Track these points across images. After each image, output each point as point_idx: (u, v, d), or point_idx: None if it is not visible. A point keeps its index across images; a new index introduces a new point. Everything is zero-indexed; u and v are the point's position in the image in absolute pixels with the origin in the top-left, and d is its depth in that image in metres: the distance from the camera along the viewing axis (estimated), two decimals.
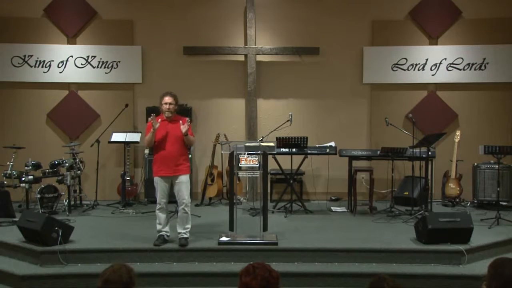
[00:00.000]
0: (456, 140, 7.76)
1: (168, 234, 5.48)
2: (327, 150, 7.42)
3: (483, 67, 8.18)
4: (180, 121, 5.43)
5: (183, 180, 5.42)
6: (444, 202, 7.83)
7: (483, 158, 7.45)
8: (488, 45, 8.15)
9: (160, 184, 5.40)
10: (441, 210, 7.35)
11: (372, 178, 7.22)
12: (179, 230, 5.45)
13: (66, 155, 7.49)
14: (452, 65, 8.22)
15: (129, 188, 7.72)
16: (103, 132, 7.74)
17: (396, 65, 8.27)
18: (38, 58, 8.17)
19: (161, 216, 5.44)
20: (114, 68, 8.27)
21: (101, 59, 8.25)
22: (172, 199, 5.57)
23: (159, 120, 5.39)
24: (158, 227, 5.45)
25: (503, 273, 2.81)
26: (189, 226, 5.49)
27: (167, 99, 5.43)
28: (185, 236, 5.42)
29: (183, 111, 7.01)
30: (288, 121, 7.22)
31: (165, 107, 5.43)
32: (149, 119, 5.48)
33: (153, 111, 7.81)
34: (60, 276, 5.01)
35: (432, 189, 7.36)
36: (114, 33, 8.28)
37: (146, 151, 8.03)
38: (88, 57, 8.24)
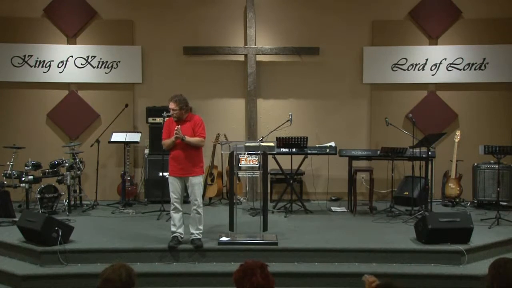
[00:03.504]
0: (456, 140, 7.76)
1: (182, 236, 5.46)
2: (327, 150, 7.42)
3: (483, 67, 8.18)
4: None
5: (195, 181, 5.42)
6: (444, 202, 7.82)
7: (483, 158, 7.44)
8: (488, 45, 8.15)
9: (173, 184, 5.42)
10: (441, 210, 7.36)
11: (372, 178, 7.22)
12: (191, 231, 5.44)
13: (66, 155, 7.49)
14: (452, 65, 8.22)
15: (129, 188, 7.72)
16: (103, 132, 7.74)
17: (396, 65, 8.27)
18: (38, 58, 8.17)
19: (175, 216, 5.43)
20: (114, 68, 8.26)
21: (101, 59, 8.25)
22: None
23: (177, 127, 5.37)
24: (173, 228, 5.44)
25: (505, 274, 2.81)
26: (202, 227, 5.49)
27: (170, 105, 5.45)
28: (198, 237, 5.42)
29: None
30: (288, 121, 7.22)
31: (171, 112, 5.48)
32: (164, 114, 5.76)
33: (153, 111, 7.92)
34: (60, 276, 5.02)
35: (432, 189, 7.37)
36: (114, 33, 8.28)
37: (146, 151, 8.04)
38: (88, 57, 8.23)
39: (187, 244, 5.40)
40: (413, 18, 8.28)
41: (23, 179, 6.88)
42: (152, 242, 5.51)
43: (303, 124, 8.15)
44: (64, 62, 8.21)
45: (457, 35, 8.26)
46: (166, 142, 5.48)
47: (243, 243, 5.43)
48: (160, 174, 7.21)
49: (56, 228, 5.31)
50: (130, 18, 8.31)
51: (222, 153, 7.63)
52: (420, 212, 6.61)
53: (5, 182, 7.09)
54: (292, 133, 7.28)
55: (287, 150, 7.21)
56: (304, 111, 8.38)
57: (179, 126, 5.37)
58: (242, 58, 8.32)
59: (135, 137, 7.83)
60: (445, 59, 8.21)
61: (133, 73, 8.29)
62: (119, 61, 8.26)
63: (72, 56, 8.21)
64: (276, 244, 5.41)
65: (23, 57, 8.15)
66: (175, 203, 5.42)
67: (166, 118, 5.72)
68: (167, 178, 5.52)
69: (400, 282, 2.61)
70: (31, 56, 8.16)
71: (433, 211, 6.88)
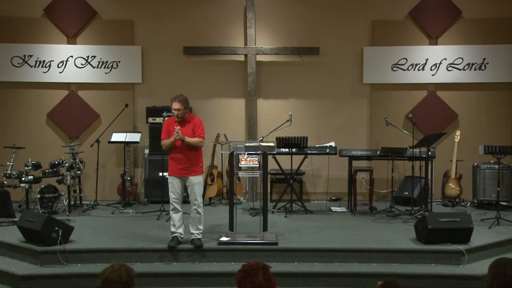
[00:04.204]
0: (456, 140, 7.76)
1: (182, 236, 5.46)
2: (327, 150, 7.41)
3: (483, 67, 8.18)
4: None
5: (196, 181, 5.43)
6: (444, 202, 7.82)
7: (483, 158, 7.44)
8: (488, 45, 8.15)
9: (173, 184, 5.41)
10: (441, 210, 7.36)
11: (372, 178, 7.22)
12: (191, 231, 5.44)
13: (66, 155, 7.49)
14: (452, 65, 8.22)
15: (129, 188, 7.72)
16: (103, 132, 7.74)
17: (396, 65, 8.27)
18: (38, 58, 8.17)
19: (175, 217, 5.43)
20: (114, 68, 8.26)
21: (101, 59, 8.25)
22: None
23: (177, 128, 5.36)
24: (172, 228, 5.43)
25: (505, 273, 2.81)
26: (201, 227, 5.49)
27: (174, 105, 5.39)
28: (198, 237, 5.42)
29: None
30: (288, 121, 7.22)
31: (174, 112, 5.44)
32: (164, 114, 5.79)
33: (153, 111, 7.92)
34: (60, 276, 5.02)
35: (432, 189, 7.37)
36: (114, 33, 8.28)
37: (146, 151, 8.04)
38: (88, 57, 8.23)
39: (187, 244, 5.40)
40: (413, 18, 8.28)
41: (23, 179, 6.87)
42: (152, 242, 5.50)
43: (303, 124, 8.15)
44: (64, 62, 8.21)
45: (457, 35, 8.26)
46: (166, 142, 5.47)
47: (243, 243, 5.43)
48: (160, 174, 7.20)
49: (56, 228, 5.30)
50: (130, 18, 8.31)
51: (222, 153, 7.62)
52: (420, 212, 6.61)
53: (5, 182, 7.10)
54: (292, 133, 7.28)
55: (287, 150, 7.21)
56: (304, 111, 8.38)
57: (179, 127, 5.36)
58: (242, 58, 8.32)
59: (135, 137, 7.83)
60: (445, 59, 8.21)
61: (133, 73, 8.29)
62: (119, 61, 8.26)
63: (72, 56, 8.21)
64: (276, 244, 5.41)
65: (23, 57, 8.15)
66: (174, 203, 5.42)
67: (166, 118, 5.74)
68: (167, 178, 5.52)
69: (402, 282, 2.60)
70: (31, 56, 8.16)
71: (433, 211, 6.88)
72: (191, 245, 5.36)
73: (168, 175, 5.48)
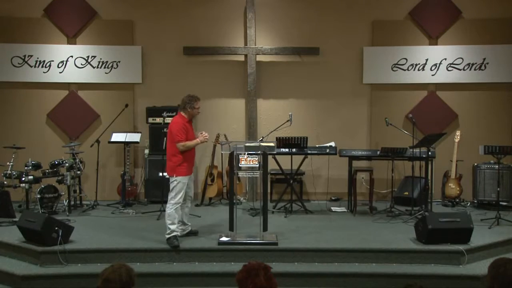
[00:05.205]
0: (456, 140, 7.76)
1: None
2: (327, 150, 7.41)
3: (483, 67, 8.18)
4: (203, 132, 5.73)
5: (192, 176, 5.77)
6: (444, 202, 7.82)
7: (483, 158, 7.44)
8: (488, 45, 8.14)
9: (184, 183, 5.55)
10: (441, 210, 7.35)
11: (372, 178, 7.22)
12: (188, 223, 5.79)
13: (66, 155, 7.49)
14: (452, 65, 8.22)
15: (129, 188, 7.72)
16: (103, 132, 7.74)
17: (396, 65, 8.27)
18: (38, 58, 8.17)
19: (176, 215, 5.53)
20: (114, 68, 8.26)
21: (101, 59, 8.25)
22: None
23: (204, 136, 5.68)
24: (173, 226, 5.45)
25: (505, 273, 2.81)
26: None
27: (198, 104, 5.69)
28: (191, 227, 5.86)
29: None
30: (288, 121, 7.21)
31: (198, 111, 5.74)
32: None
33: (153, 111, 7.92)
34: (60, 276, 5.02)
35: (432, 189, 7.37)
36: (114, 33, 8.28)
37: (146, 151, 8.04)
38: (88, 57, 8.23)
39: (186, 243, 5.40)
40: (413, 18, 8.28)
41: (23, 179, 6.88)
42: (152, 242, 5.51)
43: (303, 124, 8.15)
44: (64, 62, 8.21)
45: (457, 35, 8.26)
46: (191, 144, 5.56)
47: (243, 243, 5.43)
48: (160, 174, 7.20)
49: (56, 228, 5.31)
50: (130, 18, 8.31)
51: (222, 153, 7.62)
52: (420, 212, 6.61)
53: (5, 182, 7.09)
54: (292, 133, 7.28)
55: (287, 150, 7.21)
56: (304, 111, 8.38)
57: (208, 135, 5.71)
58: (242, 58, 8.32)
59: (135, 137, 7.84)
60: (445, 59, 8.21)
61: (133, 73, 8.29)
62: (119, 61, 8.26)
63: (72, 56, 8.21)
64: (276, 244, 5.41)
65: (23, 57, 8.15)
66: (181, 201, 5.56)
67: (171, 118, 5.98)
68: (168, 178, 5.54)
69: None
70: (31, 56, 8.16)
71: (433, 211, 6.87)
72: (191, 236, 5.68)
73: (181, 175, 5.51)
